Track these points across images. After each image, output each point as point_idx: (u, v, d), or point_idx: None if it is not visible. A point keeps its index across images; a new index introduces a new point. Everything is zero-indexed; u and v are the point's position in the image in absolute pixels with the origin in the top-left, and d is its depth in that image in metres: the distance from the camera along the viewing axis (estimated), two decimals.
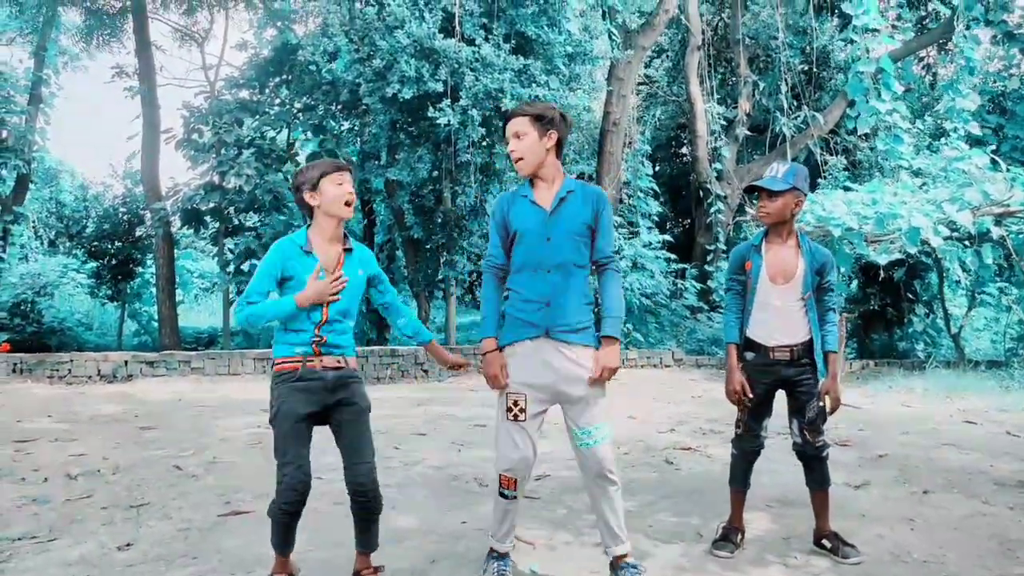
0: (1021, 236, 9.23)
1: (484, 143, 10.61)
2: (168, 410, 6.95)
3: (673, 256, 13.80)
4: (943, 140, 12.91)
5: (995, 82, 15.50)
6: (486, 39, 10.01)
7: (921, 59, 17.71)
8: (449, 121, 9.56)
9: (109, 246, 13.59)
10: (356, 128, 12.45)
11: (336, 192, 2.59)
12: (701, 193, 14.78)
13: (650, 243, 13.59)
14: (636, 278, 12.64)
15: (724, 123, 15.41)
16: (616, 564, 2.73)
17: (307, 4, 14.09)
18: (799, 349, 3.04)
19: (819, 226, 8.77)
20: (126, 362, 9.07)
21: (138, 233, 13.55)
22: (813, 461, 3.08)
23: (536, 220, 2.71)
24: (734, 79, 16.17)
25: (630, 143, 14.89)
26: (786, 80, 14.90)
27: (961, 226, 8.45)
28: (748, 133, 15.41)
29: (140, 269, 14.04)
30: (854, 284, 12.01)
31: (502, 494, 2.72)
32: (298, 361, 2.54)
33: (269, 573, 2.62)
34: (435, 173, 11.17)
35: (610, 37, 12.92)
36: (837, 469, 3.72)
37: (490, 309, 2.79)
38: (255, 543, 3.10)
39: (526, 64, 9.87)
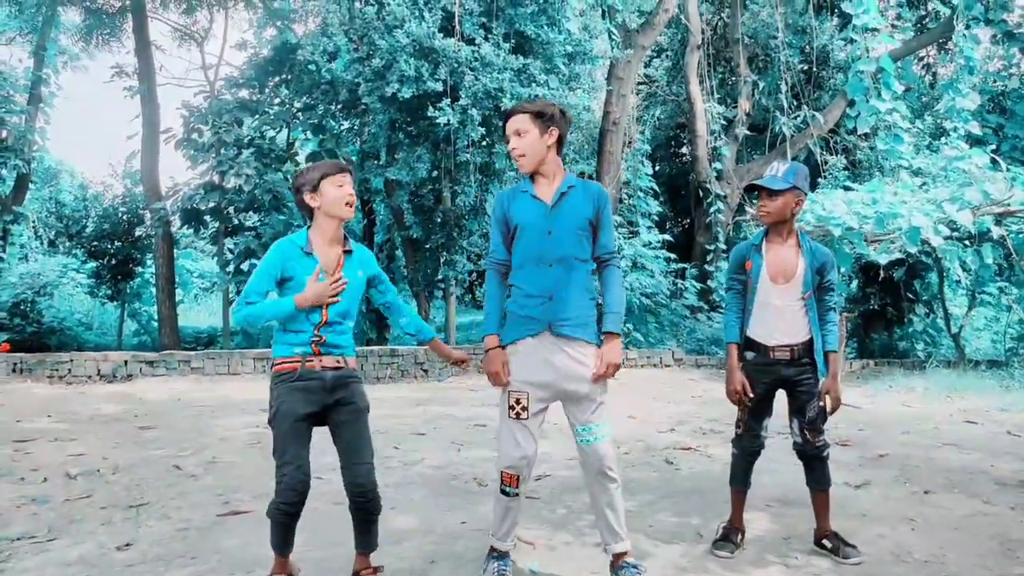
0: (1021, 236, 9.23)
1: (484, 143, 10.60)
2: (168, 410, 6.94)
3: (673, 256, 13.80)
4: (943, 140, 12.91)
5: (995, 81, 15.49)
6: (486, 38, 10.01)
7: (921, 58, 17.71)
8: (448, 121, 9.55)
9: (109, 246, 13.59)
10: (355, 128, 12.45)
11: (337, 194, 2.59)
12: (701, 193, 14.77)
13: (650, 243, 13.59)
14: (636, 278, 12.64)
15: (724, 123, 15.40)
16: (616, 564, 2.73)
17: (307, 4, 14.08)
18: (799, 349, 3.04)
19: (819, 226, 8.77)
20: (126, 362, 9.06)
21: (138, 233, 13.54)
22: (813, 461, 3.08)
23: (537, 214, 2.72)
24: (734, 78, 16.16)
25: (630, 143, 14.89)
26: (786, 79, 14.90)
27: (961, 226, 8.45)
28: (748, 133, 15.40)
29: (140, 269, 14.04)
30: (854, 284, 12.01)
31: (504, 491, 2.72)
32: (297, 361, 2.53)
33: (268, 573, 2.61)
34: (434, 173, 11.17)
35: (610, 36, 12.91)
36: (838, 469, 3.72)
37: (493, 306, 2.80)
38: (254, 543, 3.10)
39: (526, 63, 9.87)
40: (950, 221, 8.41)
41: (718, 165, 14.67)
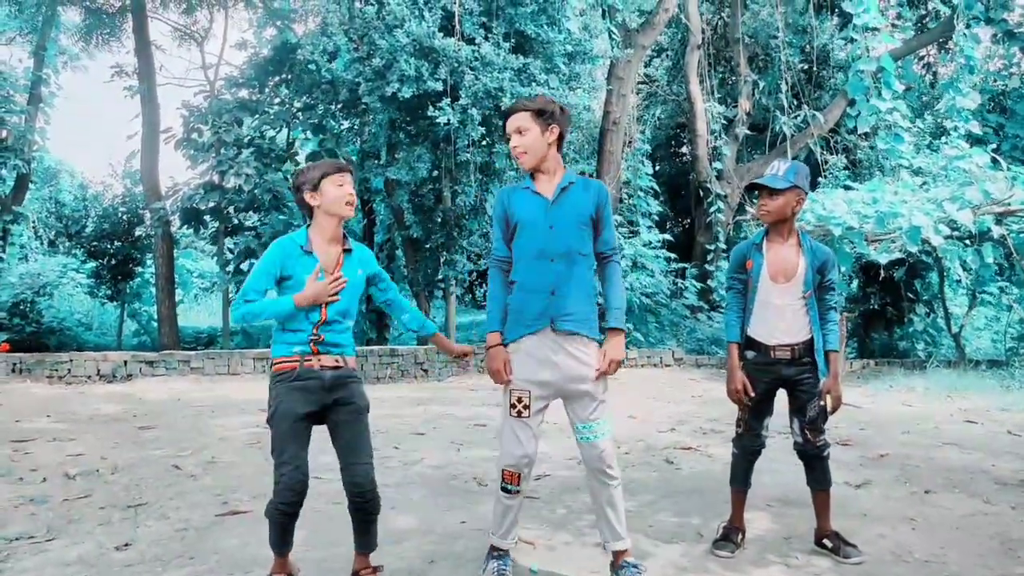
0: (1022, 235, 9.22)
1: (484, 142, 10.60)
2: (167, 410, 6.94)
3: (673, 255, 13.79)
4: (943, 139, 12.91)
5: (995, 81, 15.49)
6: (486, 38, 10.00)
7: (921, 58, 17.71)
8: (449, 120, 9.54)
9: (109, 246, 13.58)
10: (356, 127, 12.44)
11: (337, 193, 2.59)
12: (701, 192, 14.77)
13: (650, 242, 13.59)
14: (636, 277, 12.64)
15: (724, 122, 15.40)
16: (616, 563, 2.72)
17: (306, 3, 14.07)
18: (800, 348, 3.03)
19: (819, 225, 8.76)
20: (125, 362, 9.05)
21: (138, 233, 13.53)
22: (814, 460, 3.07)
23: (538, 209, 2.72)
24: (734, 78, 16.16)
25: (630, 142, 14.89)
26: (786, 79, 14.89)
27: (962, 225, 8.44)
28: (748, 132, 15.40)
29: (140, 269, 14.02)
30: (855, 283, 12.01)
31: (505, 489, 2.72)
32: (295, 360, 2.53)
33: (268, 574, 2.61)
34: (435, 172, 11.16)
35: (610, 36, 12.90)
36: (838, 468, 3.71)
37: (495, 304, 2.80)
38: (253, 543, 3.09)
39: (526, 63, 9.86)
40: (950, 220, 8.41)
41: (718, 165, 14.67)
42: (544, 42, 10.28)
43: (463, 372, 10.01)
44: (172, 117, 29.98)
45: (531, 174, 2.80)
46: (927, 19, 16.77)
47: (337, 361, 2.58)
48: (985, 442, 5.52)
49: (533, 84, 9.85)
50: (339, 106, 11.70)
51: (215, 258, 13.29)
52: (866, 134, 13.96)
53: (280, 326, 2.57)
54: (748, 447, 3.16)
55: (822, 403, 3.03)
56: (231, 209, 11.38)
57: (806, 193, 3.07)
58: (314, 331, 2.54)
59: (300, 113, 12.11)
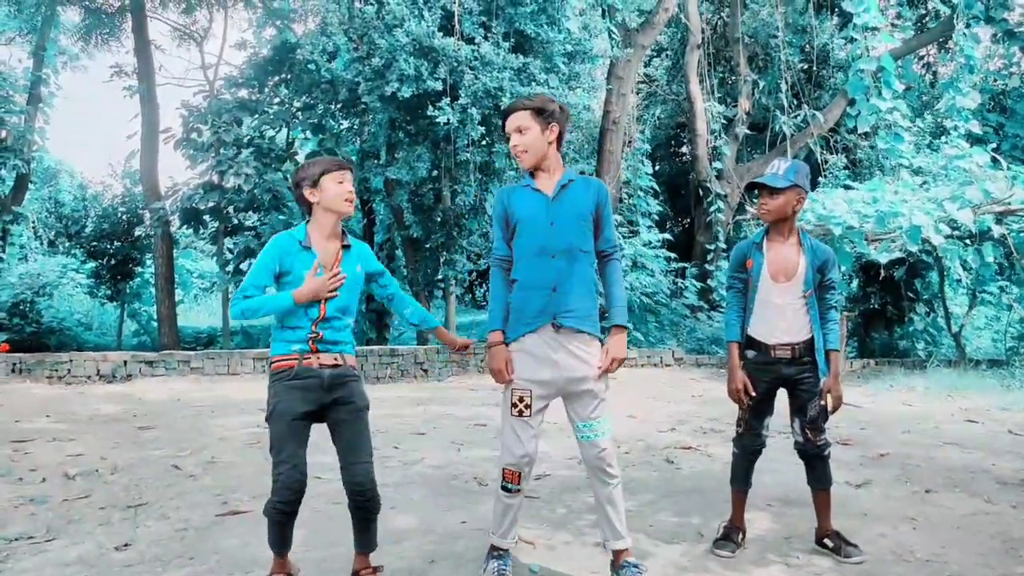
0: (1022, 234, 9.22)
1: (483, 142, 10.60)
2: (167, 410, 6.93)
3: (673, 255, 13.79)
4: (944, 138, 12.91)
5: (995, 80, 15.50)
6: (485, 37, 10.00)
7: (921, 57, 17.71)
8: (448, 120, 9.54)
9: (108, 246, 13.58)
10: (355, 127, 12.44)
11: (337, 190, 2.58)
12: (701, 192, 14.77)
13: (650, 242, 13.59)
14: (636, 277, 12.63)
15: (724, 122, 15.40)
16: (616, 563, 2.72)
17: (306, 3, 14.08)
18: (800, 347, 3.02)
19: (820, 224, 8.76)
20: (125, 362, 9.04)
21: (137, 233, 13.53)
22: (815, 460, 3.06)
23: (539, 206, 2.72)
24: (734, 78, 16.16)
25: (630, 142, 14.88)
26: (786, 79, 14.89)
27: (962, 224, 8.44)
28: (748, 132, 15.40)
29: (139, 269, 14.02)
30: (855, 283, 12.00)
31: (505, 488, 2.71)
32: (294, 359, 2.52)
33: (267, 573, 2.60)
34: (434, 172, 11.16)
35: (610, 36, 12.90)
36: (839, 468, 3.71)
37: (497, 303, 2.79)
38: (253, 543, 3.09)
39: (525, 63, 9.86)
40: (951, 220, 8.40)
41: (718, 164, 14.67)
42: (544, 42, 10.29)
43: (463, 372, 10.00)
44: (172, 117, 29.93)
45: (531, 173, 2.80)
46: (927, 19, 16.77)
47: (336, 359, 2.57)
48: (986, 441, 5.52)
49: (533, 84, 9.85)
50: (339, 106, 11.70)
51: (215, 258, 13.29)
52: (866, 134, 13.96)
53: (279, 324, 2.56)
54: (748, 447, 3.15)
55: (823, 402, 3.03)
56: (231, 209, 11.37)
57: (806, 192, 3.06)
58: (313, 328, 2.53)
59: (300, 113, 12.11)
